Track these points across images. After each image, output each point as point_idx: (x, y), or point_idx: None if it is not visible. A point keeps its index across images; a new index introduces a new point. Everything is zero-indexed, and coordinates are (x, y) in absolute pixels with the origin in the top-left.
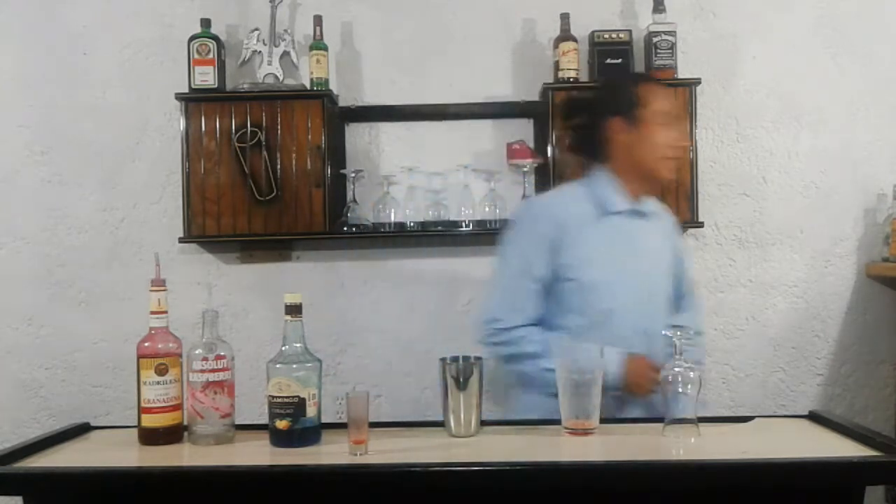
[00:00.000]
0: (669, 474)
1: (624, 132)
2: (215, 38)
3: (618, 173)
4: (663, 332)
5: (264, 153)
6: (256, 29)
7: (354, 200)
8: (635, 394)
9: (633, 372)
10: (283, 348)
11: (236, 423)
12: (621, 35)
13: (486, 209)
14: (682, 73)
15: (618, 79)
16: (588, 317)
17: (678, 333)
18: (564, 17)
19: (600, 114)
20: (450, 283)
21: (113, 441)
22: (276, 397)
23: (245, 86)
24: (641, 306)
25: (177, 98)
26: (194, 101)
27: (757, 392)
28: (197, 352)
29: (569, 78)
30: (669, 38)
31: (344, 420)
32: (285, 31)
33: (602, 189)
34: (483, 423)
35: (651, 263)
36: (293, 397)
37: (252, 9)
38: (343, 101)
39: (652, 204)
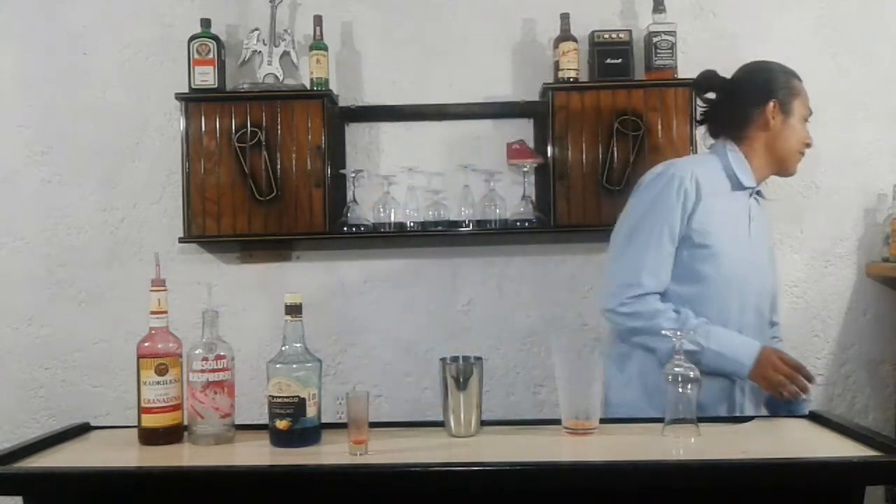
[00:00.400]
0: (669, 474)
1: (777, 117)
2: (215, 38)
3: (750, 155)
4: (664, 332)
5: (264, 153)
6: (256, 29)
7: (354, 200)
8: (761, 387)
9: (764, 364)
10: (283, 348)
11: (236, 423)
12: (621, 35)
13: (486, 209)
14: (682, 73)
15: (776, 66)
16: (707, 286)
17: (678, 334)
18: (564, 17)
19: (750, 95)
20: (450, 283)
21: (113, 441)
22: (276, 397)
23: (245, 86)
24: (757, 285)
25: (177, 98)
26: (194, 101)
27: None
28: (197, 352)
29: (569, 78)
30: (669, 38)
31: (344, 420)
32: (285, 31)
33: (736, 164)
34: (483, 423)
35: (764, 246)
36: (293, 397)
37: (252, 9)
38: (343, 101)
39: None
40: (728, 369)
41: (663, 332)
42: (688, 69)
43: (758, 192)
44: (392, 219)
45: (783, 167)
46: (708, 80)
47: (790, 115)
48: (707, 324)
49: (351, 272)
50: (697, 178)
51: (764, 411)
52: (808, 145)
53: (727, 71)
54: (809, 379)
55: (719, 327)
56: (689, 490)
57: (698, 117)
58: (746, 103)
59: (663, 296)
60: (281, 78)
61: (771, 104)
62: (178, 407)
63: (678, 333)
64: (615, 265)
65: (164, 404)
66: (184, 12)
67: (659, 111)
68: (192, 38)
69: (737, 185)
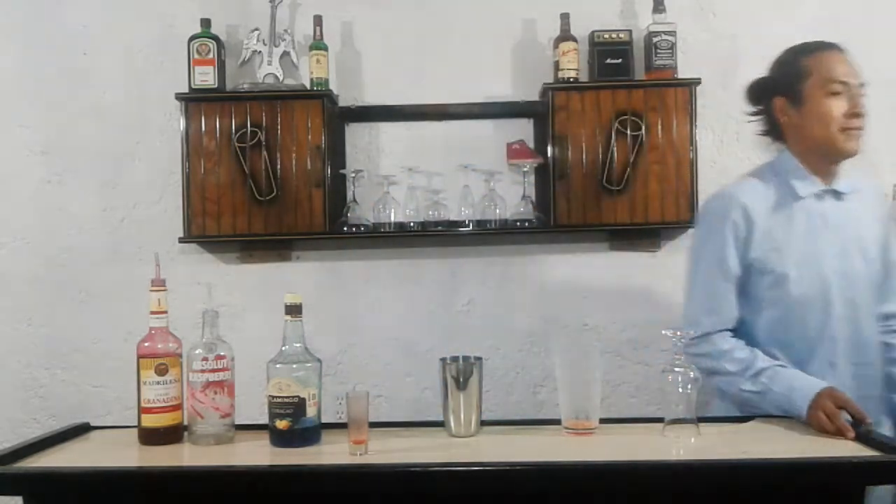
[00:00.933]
0: (669, 474)
1: (786, 113)
2: (215, 38)
3: (798, 155)
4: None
5: (264, 153)
6: (256, 29)
7: (354, 200)
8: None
9: (815, 406)
10: (283, 348)
11: (236, 423)
12: (621, 35)
13: (486, 209)
14: (682, 73)
15: (783, 54)
16: (782, 310)
17: (678, 334)
18: (564, 17)
19: (765, 96)
20: (450, 283)
21: (113, 441)
22: (276, 397)
23: (245, 86)
24: (844, 300)
25: (177, 98)
26: (194, 101)
27: None
28: (197, 352)
29: (569, 78)
30: (669, 38)
31: (344, 420)
32: (285, 31)
33: (787, 174)
34: (483, 423)
35: (852, 249)
36: (293, 397)
37: (252, 9)
38: (343, 101)
39: (853, 180)
40: (792, 413)
41: (663, 332)
42: (688, 69)
43: (833, 193)
44: (392, 219)
45: (832, 154)
46: (747, 91)
47: (803, 102)
48: (776, 366)
49: (351, 272)
50: (745, 206)
51: None
52: (854, 115)
53: (727, 71)
54: (858, 419)
55: (788, 369)
56: (689, 490)
57: (759, 131)
58: (767, 107)
59: (738, 330)
60: (281, 78)
61: (777, 103)
62: (178, 407)
63: (678, 333)
64: (685, 304)
65: (164, 404)
66: (184, 12)
67: (659, 111)
68: (192, 38)
69: (795, 197)
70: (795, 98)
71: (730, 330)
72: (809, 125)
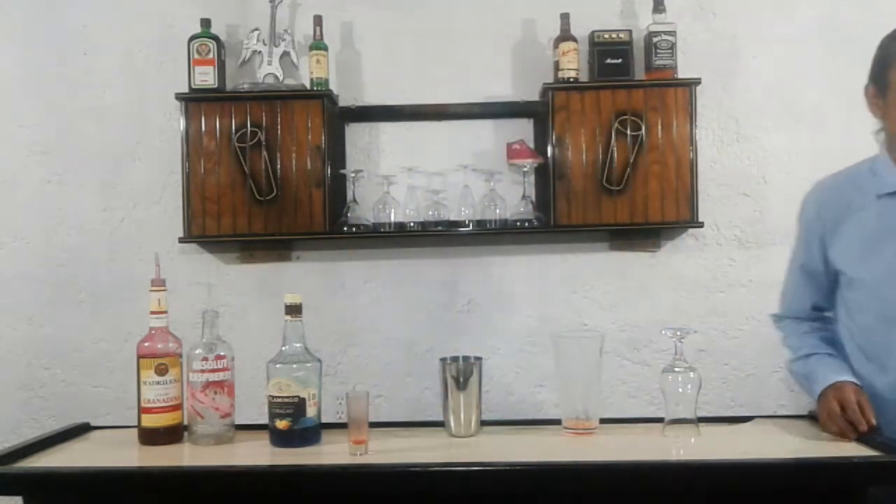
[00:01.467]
0: (669, 474)
1: (876, 102)
2: (215, 38)
3: (890, 148)
4: (663, 331)
5: (264, 153)
6: (256, 29)
7: (354, 200)
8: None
9: (822, 402)
10: (283, 348)
11: (236, 423)
12: (621, 35)
13: (486, 209)
14: (682, 73)
15: (883, 38)
16: (871, 316)
17: (678, 333)
18: (564, 17)
19: (868, 84)
20: (450, 283)
21: (113, 441)
22: (276, 397)
23: (245, 86)
24: None
25: (177, 98)
26: (194, 101)
27: (757, 392)
28: (197, 352)
29: (569, 78)
30: (669, 38)
31: (344, 420)
32: (285, 31)
33: (875, 169)
34: (483, 423)
35: None
36: (293, 397)
37: (252, 9)
38: (343, 101)
39: None
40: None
41: (662, 331)
42: (688, 69)
43: None
44: (392, 219)
45: None
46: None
47: (889, 89)
48: (819, 354)
49: (351, 272)
50: (819, 206)
51: None
52: None
53: (727, 71)
54: (856, 424)
55: (824, 358)
56: (689, 490)
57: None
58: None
59: (837, 322)
60: (281, 78)
61: (869, 91)
62: (178, 407)
63: (677, 333)
64: None
65: (164, 404)
66: (184, 12)
67: (659, 111)
68: (192, 38)
69: (880, 193)
70: (882, 85)
71: (810, 319)
72: (892, 116)
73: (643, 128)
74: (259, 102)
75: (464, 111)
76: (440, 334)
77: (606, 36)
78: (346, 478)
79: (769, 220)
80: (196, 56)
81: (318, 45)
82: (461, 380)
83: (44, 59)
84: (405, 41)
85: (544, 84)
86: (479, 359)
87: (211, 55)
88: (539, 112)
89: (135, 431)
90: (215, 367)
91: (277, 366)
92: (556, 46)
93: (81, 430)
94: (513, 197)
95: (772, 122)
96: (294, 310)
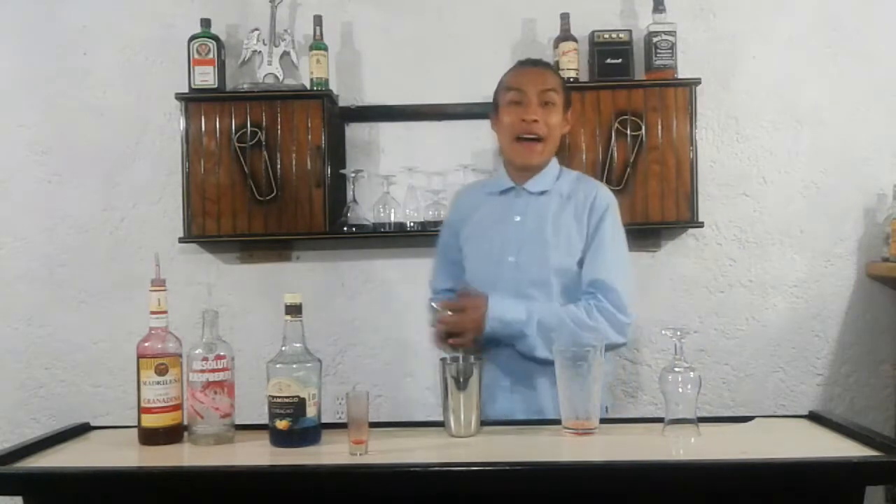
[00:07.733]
0: (669, 474)
1: (492, 120)
2: (215, 38)
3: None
4: (663, 331)
5: (264, 153)
6: (256, 29)
7: (354, 200)
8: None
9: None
10: (283, 348)
11: (236, 423)
12: (621, 35)
13: None
14: (682, 73)
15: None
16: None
17: (678, 333)
18: (564, 17)
19: None
20: None
21: (113, 441)
22: (276, 397)
23: (245, 86)
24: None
25: (177, 98)
26: (194, 101)
27: (757, 392)
28: (197, 352)
29: (569, 78)
30: (669, 38)
31: (344, 420)
32: (285, 31)
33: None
34: (483, 423)
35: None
36: (293, 397)
37: (252, 9)
38: (343, 101)
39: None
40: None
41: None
42: (688, 69)
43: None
44: (392, 219)
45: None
46: None
47: (499, 109)
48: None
49: (351, 272)
50: (457, 202)
51: None
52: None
53: (727, 71)
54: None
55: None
56: (689, 490)
57: None
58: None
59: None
60: (281, 78)
61: (491, 115)
62: (178, 407)
63: (677, 333)
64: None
65: (164, 404)
66: (184, 12)
67: (659, 111)
68: (192, 38)
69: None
70: (495, 107)
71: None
72: (500, 132)
73: (643, 128)
74: (259, 102)
75: (463, 111)
76: None
77: (606, 36)
78: (346, 478)
79: (769, 220)
80: (196, 56)
81: (318, 45)
82: (461, 380)
83: (43, 59)
84: (405, 41)
85: None
86: (479, 359)
87: (211, 55)
88: None
89: (135, 431)
90: (215, 367)
91: (277, 366)
92: (556, 46)
93: (81, 430)
94: None
95: (772, 122)
96: (294, 310)
